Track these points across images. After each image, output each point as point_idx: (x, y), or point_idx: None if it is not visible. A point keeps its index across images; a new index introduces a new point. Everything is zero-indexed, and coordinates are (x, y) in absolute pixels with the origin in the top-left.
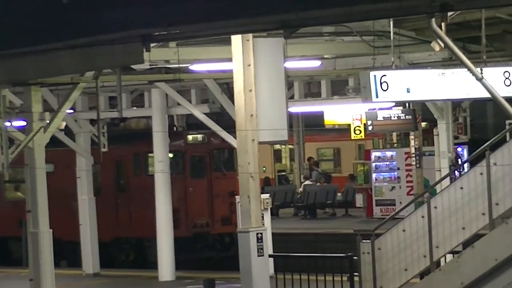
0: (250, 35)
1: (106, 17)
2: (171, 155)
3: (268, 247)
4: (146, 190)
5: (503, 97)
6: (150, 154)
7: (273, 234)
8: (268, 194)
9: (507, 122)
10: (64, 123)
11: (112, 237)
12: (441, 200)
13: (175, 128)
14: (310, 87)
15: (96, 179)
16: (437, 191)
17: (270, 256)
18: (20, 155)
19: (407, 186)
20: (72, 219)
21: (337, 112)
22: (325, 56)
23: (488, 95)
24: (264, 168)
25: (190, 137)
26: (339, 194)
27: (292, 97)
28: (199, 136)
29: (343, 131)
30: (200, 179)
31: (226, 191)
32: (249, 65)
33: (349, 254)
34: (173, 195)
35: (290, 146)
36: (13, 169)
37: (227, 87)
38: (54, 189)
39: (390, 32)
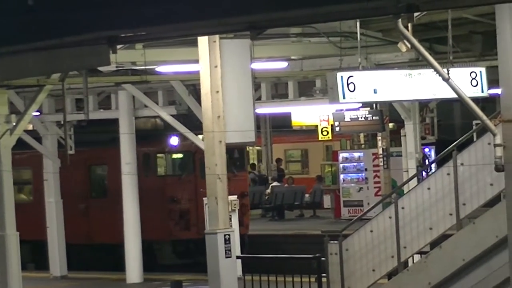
0: (217, 36)
1: (72, 18)
2: (181, 155)
3: (236, 249)
4: (156, 191)
5: (470, 98)
6: (159, 155)
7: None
8: (236, 196)
9: (474, 122)
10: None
11: (120, 240)
12: (408, 200)
13: None
14: (277, 88)
15: (102, 181)
16: (405, 192)
17: (237, 257)
18: None
19: (375, 187)
20: (80, 221)
21: (305, 113)
22: (292, 57)
23: (455, 95)
24: None
25: (200, 136)
26: (307, 195)
27: (259, 98)
28: None
29: (311, 132)
30: None
31: (236, 191)
32: (216, 67)
33: (317, 255)
34: (183, 196)
35: (258, 148)
36: (17, 171)
37: (194, 88)
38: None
39: (357, 33)
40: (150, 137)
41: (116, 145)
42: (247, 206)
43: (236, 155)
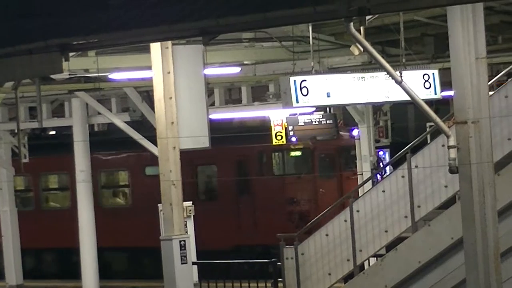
0: (169, 42)
1: (24, 26)
2: (299, 153)
3: (192, 255)
4: (273, 191)
5: (423, 100)
6: (275, 153)
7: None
8: (191, 202)
9: (428, 124)
10: None
11: (232, 245)
12: (363, 203)
13: None
14: (231, 93)
15: (210, 182)
16: (360, 195)
17: (193, 263)
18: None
19: None
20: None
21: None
22: (245, 62)
23: (408, 98)
24: None
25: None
26: None
27: (212, 104)
28: None
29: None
30: (330, 179)
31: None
32: (168, 73)
33: (272, 259)
34: (303, 196)
35: None
36: (107, 174)
37: (148, 95)
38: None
39: (309, 37)
40: (263, 134)
41: (224, 144)
42: None
43: (355, 152)
